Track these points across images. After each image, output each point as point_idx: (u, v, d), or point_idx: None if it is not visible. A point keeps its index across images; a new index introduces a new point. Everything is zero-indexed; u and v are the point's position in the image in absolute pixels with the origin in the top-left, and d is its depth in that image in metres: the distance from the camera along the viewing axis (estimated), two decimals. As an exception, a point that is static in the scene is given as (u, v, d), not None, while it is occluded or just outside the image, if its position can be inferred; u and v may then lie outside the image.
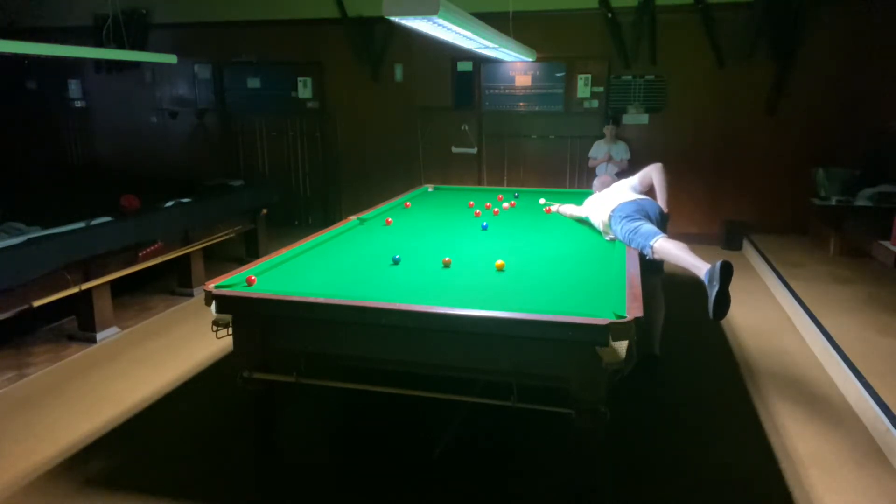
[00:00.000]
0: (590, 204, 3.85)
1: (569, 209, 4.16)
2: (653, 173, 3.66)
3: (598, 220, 3.62)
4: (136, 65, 7.98)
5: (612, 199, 3.55)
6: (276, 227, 7.04)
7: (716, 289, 2.60)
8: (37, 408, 3.34)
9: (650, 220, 3.30)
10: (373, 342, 2.44)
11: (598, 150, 6.50)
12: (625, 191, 3.66)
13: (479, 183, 7.31)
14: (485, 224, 3.85)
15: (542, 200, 4.60)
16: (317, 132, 7.87)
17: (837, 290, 4.79)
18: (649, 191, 3.71)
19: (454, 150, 7.48)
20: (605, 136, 6.49)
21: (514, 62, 6.90)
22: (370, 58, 7.35)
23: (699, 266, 2.83)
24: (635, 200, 3.46)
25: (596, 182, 4.31)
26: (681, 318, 4.37)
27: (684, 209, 6.84)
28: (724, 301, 2.62)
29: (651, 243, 3.04)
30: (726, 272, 2.63)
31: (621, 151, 6.42)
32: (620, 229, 3.29)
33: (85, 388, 3.56)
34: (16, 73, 8.44)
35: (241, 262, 5.53)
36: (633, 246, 3.18)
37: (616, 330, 2.09)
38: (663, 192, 3.61)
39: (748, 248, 6.49)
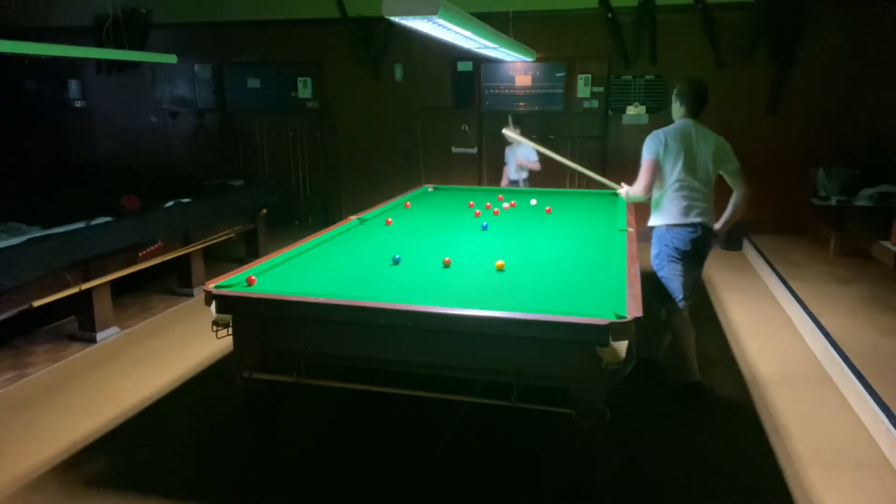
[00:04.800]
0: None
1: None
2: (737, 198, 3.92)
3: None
4: (136, 65, 7.97)
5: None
6: (276, 227, 7.03)
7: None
8: (37, 408, 3.35)
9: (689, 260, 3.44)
10: (373, 342, 2.44)
11: (510, 155, 5.99)
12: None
13: (479, 183, 7.31)
14: (485, 224, 3.85)
15: (532, 201, 4.63)
16: (317, 132, 7.87)
17: (837, 291, 4.79)
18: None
19: (454, 150, 7.47)
20: (511, 139, 5.51)
21: (514, 62, 6.90)
22: (370, 58, 7.34)
23: (692, 365, 3.39)
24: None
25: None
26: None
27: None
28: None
29: (679, 304, 3.40)
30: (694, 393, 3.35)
31: (528, 153, 5.81)
32: (660, 263, 3.46)
33: (85, 388, 3.56)
34: (16, 73, 8.45)
35: (241, 262, 5.52)
36: (659, 275, 3.46)
37: (616, 330, 2.09)
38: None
39: (748, 248, 6.49)
